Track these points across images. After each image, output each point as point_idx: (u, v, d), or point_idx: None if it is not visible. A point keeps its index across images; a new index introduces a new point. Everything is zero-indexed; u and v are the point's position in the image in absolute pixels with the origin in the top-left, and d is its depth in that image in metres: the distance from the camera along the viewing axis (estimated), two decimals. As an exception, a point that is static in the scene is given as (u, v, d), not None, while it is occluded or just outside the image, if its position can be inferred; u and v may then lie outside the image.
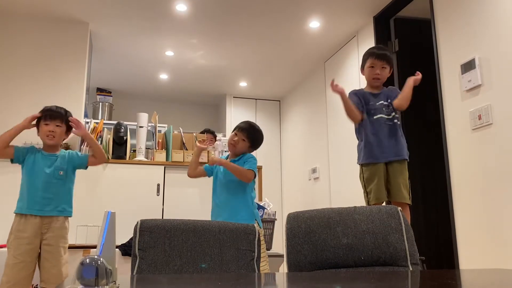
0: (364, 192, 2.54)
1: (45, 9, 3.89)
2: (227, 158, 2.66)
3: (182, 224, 1.42)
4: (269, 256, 2.78)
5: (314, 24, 4.13)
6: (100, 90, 5.69)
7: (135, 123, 3.76)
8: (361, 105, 2.57)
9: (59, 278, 2.34)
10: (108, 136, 3.65)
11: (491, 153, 2.64)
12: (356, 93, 2.62)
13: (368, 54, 2.64)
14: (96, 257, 0.84)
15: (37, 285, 2.52)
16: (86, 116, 4.25)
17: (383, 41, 3.81)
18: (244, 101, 6.15)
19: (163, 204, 3.57)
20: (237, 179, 2.48)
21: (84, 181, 3.24)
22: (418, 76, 2.53)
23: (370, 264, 1.36)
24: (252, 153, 2.68)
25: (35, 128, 2.48)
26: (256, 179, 2.77)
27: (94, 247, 3.02)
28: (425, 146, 3.52)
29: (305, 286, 1.03)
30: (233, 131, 2.66)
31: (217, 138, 4.28)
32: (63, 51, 4.01)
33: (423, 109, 3.57)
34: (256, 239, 1.44)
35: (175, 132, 3.89)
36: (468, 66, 2.82)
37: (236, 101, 6.12)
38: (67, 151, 2.58)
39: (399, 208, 1.44)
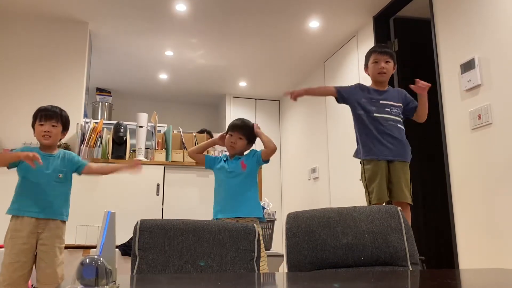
0: (365, 192, 2.51)
1: (45, 9, 3.89)
2: (226, 159, 2.66)
3: (181, 224, 1.42)
4: (269, 256, 2.78)
5: (314, 24, 4.13)
6: (99, 90, 5.69)
7: (135, 123, 3.76)
8: (351, 93, 2.58)
9: (54, 278, 2.30)
10: (107, 136, 3.64)
11: (491, 153, 2.64)
12: (357, 86, 2.63)
13: (371, 52, 2.65)
14: (96, 257, 0.84)
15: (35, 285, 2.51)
16: (85, 116, 4.25)
17: (383, 41, 3.81)
18: (244, 101, 6.15)
19: (162, 204, 3.56)
20: (246, 172, 2.54)
21: (84, 181, 3.22)
22: (423, 83, 2.44)
23: (370, 264, 1.36)
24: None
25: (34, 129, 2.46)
26: (256, 179, 2.79)
27: (94, 247, 3.02)
28: (425, 146, 3.52)
29: (305, 286, 1.03)
30: (226, 133, 2.65)
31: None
32: (62, 51, 4.01)
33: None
34: (256, 239, 1.44)
35: (174, 132, 3.89)
36: (468, 66, 2.82)
37: (235, 101, 6.13)
38: (65, 151, 2.52)
39: (399, 208, 1.44)
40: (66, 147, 3.44)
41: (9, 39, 3.91)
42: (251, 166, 2.59)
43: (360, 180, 2.59)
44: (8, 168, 2.39)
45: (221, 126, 6.10)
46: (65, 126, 2.48)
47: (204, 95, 6.21)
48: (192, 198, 3.63)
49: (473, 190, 2.76)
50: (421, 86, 2.44)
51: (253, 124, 2.68)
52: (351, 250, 1.37)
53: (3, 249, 2.36)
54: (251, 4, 3.80)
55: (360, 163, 2.57)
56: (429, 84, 2.46)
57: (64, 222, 2.44)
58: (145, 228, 1.39)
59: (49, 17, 4.00)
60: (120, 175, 3.51)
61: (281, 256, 3.27)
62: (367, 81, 2.73)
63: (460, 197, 2.87)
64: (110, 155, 3.58)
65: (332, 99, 2.76)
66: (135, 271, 1.34)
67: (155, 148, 3.80)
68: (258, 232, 1.47)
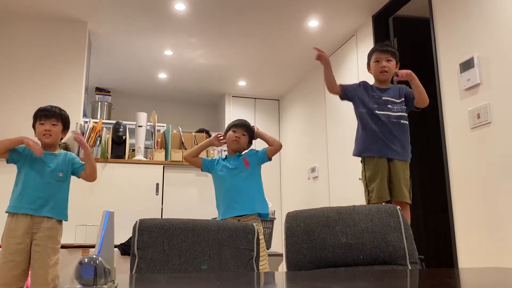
0: (365, 191, 2.50)
1: (44, 9, 3.89)
2: (225, 158, 2.66)
3: (181, 224, 1.41)
4: (268, 255, 2.78)
5: (313, 23, 4.13)
6: (99, 90, 5.68)
7: (134, 123, 3.76)
8: (356, 91, 2.58)
9: (45, 280, 2.28)
10: (107, 136, 3.64)
11: (490, 152, 2.64)
12: (362, 84, 2.63)
13: (373, 51, 2.66)
14: (94, 256, 0.84)
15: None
16: (85, 115, 4.25)
17: (382, 40, 3.80)
18: (243, 100, 6.15)
19: (162, 204, 3.57)
20: (249, 170, 2.58)
21: (83, 181, 3.24)
22: (402, 71, 2.43)
23: (369, 263, 1.36)
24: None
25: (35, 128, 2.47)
26: (260, 176, 2.81)
27: (93, 246, 3.02)
28: (424, 145, 3.52)
29: (304, 285, 1.03)
30: (229, 130, 2.68)
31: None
32: (61, 50, 4.01)
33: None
34: (255, 238, 1.44)
35: (174, 131, 3.89)
36: (467, 65, 2.82)
37: (235, 100, 6.12)
38: (67, 152, 2.54)
39: (398, 207, 1.44)
40: (66, 147, 3.44)
41: (8, 39, 3.91)
42: (253, 164, 2.61)
43: (360, 179, 2.59)
44: (8, 162, 2.39)
45: (221, 126, 6.10)
46: (65, 125, 2.50)
47: (203, 95, 6.21)
48: (191, 197, 3.63)
49: (472, 189, 2.76)
50: (402, 74, 2.42)
51: (252, 126, 2.73)
52: (350, 249, 1.37)
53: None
54: (250, 4, 3.80)
55: (361, 161, 2.57)
56: (408, 70, 2.43)
57: (61, 222, 2.43)
58: (144, 228, 1.39)
59: (48, 17, 4.00)
60: (119, 174, 3.53)
61: (281, 255, 3.27)
62: (366, 80, 2.73)
63: (459, 196, 2.87)
64: (110, 154, 3.58)
65: (332, 98, 2.76)
66: (134, 270, 1.34)
67: (154, 148, 3.80)
68: (258, 231, 1.47)
